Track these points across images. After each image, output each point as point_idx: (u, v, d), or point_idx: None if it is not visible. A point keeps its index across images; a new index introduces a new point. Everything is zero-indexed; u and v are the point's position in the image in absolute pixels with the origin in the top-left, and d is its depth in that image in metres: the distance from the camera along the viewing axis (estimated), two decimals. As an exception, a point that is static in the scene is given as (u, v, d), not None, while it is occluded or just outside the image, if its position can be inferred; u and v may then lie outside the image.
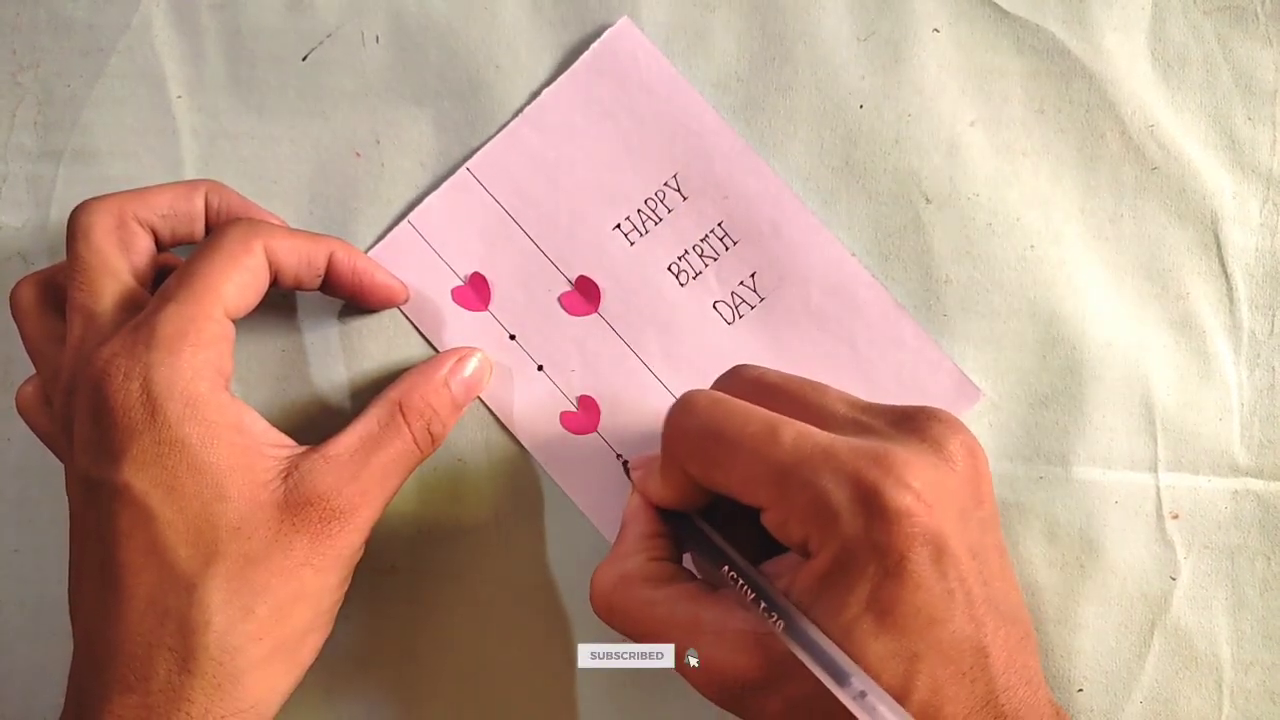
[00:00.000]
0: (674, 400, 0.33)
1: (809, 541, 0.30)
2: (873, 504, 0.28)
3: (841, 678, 0.27)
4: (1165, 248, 0.39)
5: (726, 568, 0.32)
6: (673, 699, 0.39)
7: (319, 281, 0.37)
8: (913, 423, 0.31)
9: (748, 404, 0.32)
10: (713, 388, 0.34)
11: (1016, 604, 0.31)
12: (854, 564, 0.29)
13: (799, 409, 0.32)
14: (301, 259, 0.36)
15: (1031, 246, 0.39)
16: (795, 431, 0.30)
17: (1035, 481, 0.39)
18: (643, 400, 0.39)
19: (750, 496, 0.31)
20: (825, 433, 0.30)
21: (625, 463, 0.39)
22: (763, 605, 0.30)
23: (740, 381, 0.34)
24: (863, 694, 0.27)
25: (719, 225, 0.40)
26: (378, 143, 0.40)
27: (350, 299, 0.39)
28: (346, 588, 0.35)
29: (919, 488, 0.29)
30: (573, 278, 0.40)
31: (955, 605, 0.29)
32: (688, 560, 0.36)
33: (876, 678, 0.28)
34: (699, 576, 0.34)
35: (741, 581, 0.31)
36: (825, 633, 0.28)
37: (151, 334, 0.32)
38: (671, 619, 0.32)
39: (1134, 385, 0.39)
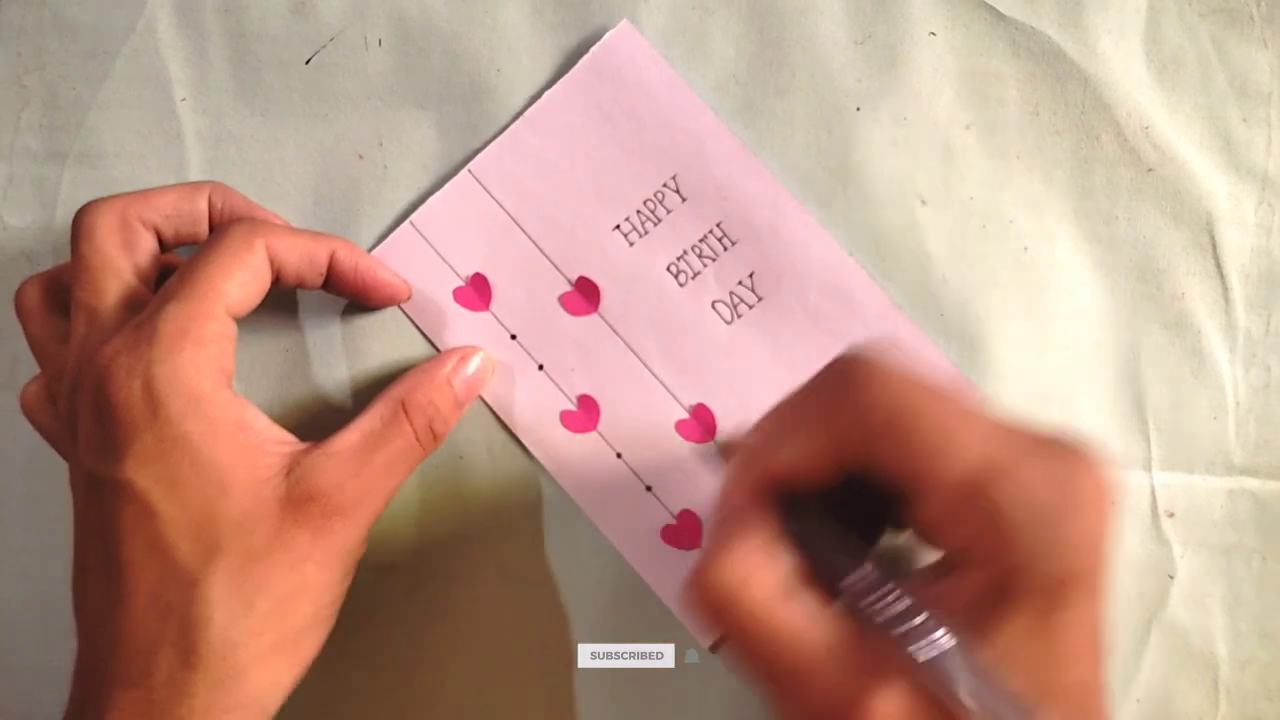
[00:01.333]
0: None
1: (966, 552, 0.27)
2: (1063, 527, 0.26)
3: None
4: (1160, 248, 0.39)
5: (856, 579, 0.27)
6: (673, 699, 0.39)
7: (321, 280, 0.37)
8: (1074, 455, 0.27)
9: (929, 384, 0.28)
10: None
11: (1104, 651, 0.29)
12: (1017, 590, 0.26)
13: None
14: (304, 257, 0.36)
15: (1026, 248, 0.39)
16: (983, 423, 0.27)
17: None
18: (642, 400, 0.40)
19: (919, 488, 0.27)
20: (1004, 443, 0.27)
21: (720, 443, 0.34)
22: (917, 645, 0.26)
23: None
24: None
25: (717, 226, 0.40)
26: (380, 145, 0.41)
27: (353, 297, 0.39)
28: (348, 584, 0.35)
29: (1100, 517, 0.27)
30: (573, 278, 0.40)
31: (1092, 649, 0.27)
32: None
33: None
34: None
35: (877, 595, 0.27)
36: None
37: (154, 332, 0.32)
38: (801, 638, 0.27)
39: (1129, 385, 0.39)
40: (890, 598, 0.27)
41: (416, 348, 0.40)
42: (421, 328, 0.40)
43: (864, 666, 0.26)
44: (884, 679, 0.26)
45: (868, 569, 0.28)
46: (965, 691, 0.25)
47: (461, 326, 0.40)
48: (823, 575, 0.28)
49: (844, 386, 0.28)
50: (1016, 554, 0.26)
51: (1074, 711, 0.27)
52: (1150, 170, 0.39)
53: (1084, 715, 0.27)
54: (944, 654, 0.26)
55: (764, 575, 0.28)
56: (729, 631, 0.28)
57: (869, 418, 0.28)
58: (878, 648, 0.27)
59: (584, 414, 0.40)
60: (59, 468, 0.36)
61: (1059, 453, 0.28)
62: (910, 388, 0.28)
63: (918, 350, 0.39)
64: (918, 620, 0.26)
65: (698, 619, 0.29)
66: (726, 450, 0.33)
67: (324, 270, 0.37)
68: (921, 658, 0.26)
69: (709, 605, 0.28)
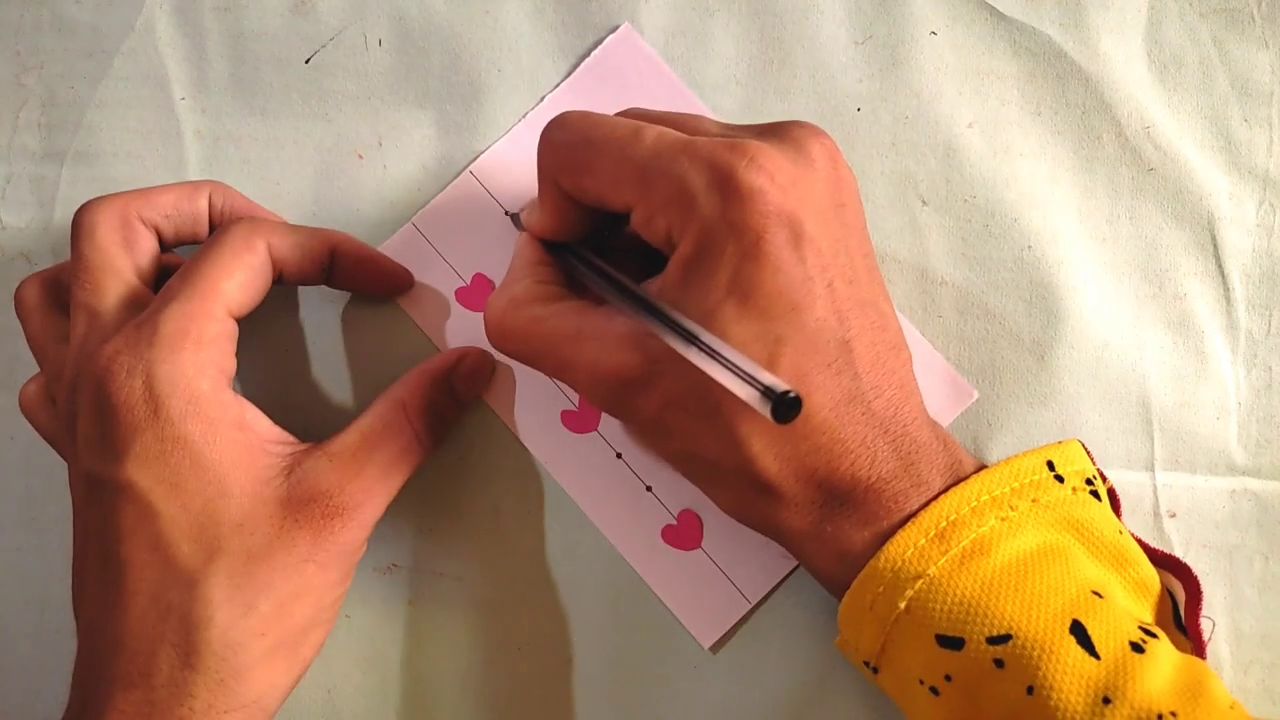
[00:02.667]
0: None
1: (672, 232, 0.31)
2: (727, 184, 0.29)
3: (702, 348, 0.28)
4: (1162, 248, 0.39)
5: (598, 279, 0.33)
6: (673, 699, 0.39)
7: (324, 275, 0.37)
8: (776, 129, 0.32)
9: (615, 116, 0.33)
10: None
11: (887, 314, 0.32)
12: (713, 247, 0.30)
13: (669, 126, 0.33)
14: (305, 254, 0.36)
15: (1028, 248, 0.39)
16: (658, 132, 0.31)
17: (1033, 481, 0.39)
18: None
19: (617, 198, 0.32)
20: (688, 136, 0.31)
21: (511, 215, 0.40)
22: (629, 302, 0.31)
23: (623, 115, 0.35)
24: (718, 356, 0.27)
25: (718, 226, 0.40)
26: (380, 145, 0.41)
27: (356, 290, 0.39)
28: (348, 585, 0.35)
29: (772, 170, 0.30)
30: (573, 278, 0.40)
31: (816, 293, 0.30)
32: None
33: None
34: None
35: (610, 287, 0.32)
36: (691, 318, 0.29)
37: (154, 332, 0.32)
38: (557, 331, 0.33)
39: (1131, 385, 0.39)
40: (608, 281, 0.32)
41: (417, 348, 0.40)
42: (423, 327, 0.40)
43: (608, 339, 0.32)
44: (620, 342, 0.31)
45: (604, 272, 0.33)
46: (669, 339, 0.29)
47: (463, 326, 0.40)
48: (582, 286, 0.35)
49: (543, 141, 0.33)
50: (697, 218, 0.30)
51: (820, 359, 0.30)
52: (1152, 170, 0.39)
53: (838, 366, 0.30)
54: (650, 315, 0.30)
55: (523, 303, 0.34)
56: (511, 349, 0.34)
57: (556, 164, 0.33)
58: (619, 325, 0.32)
59: (584, 414, 0.40)
60: (57, 467, 0.36)
61: (754, 132, 0.32)
62: (586, 126, 0.32)
63: (916, 351, 0.39)
64: (631, 295, 0.31)
65: (495, 348, 0.35)
66: (514, 218, 0.39)
67: (325, 265, 0.37)
68: (638, 330, 0.31)
69: (492, 334, 0.35)
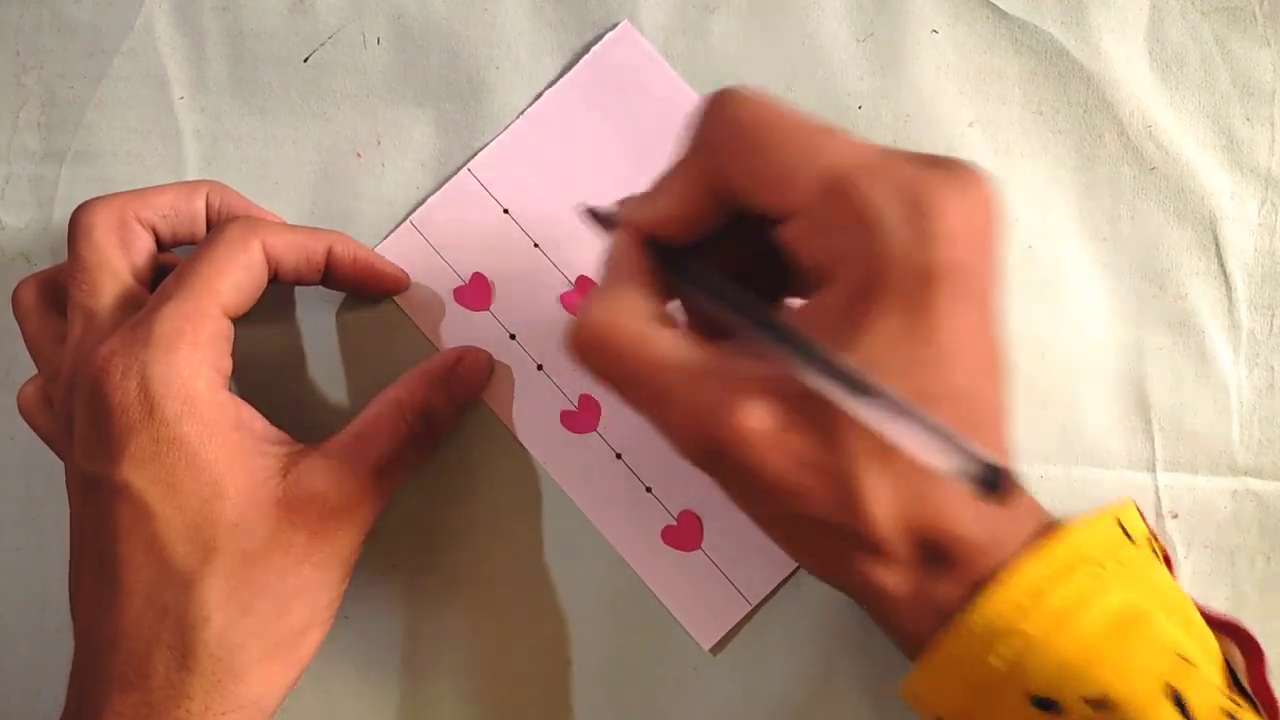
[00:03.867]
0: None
1: (838, 258, 0.27)
2: (924, 221, 0.26)
3: (866, 393, 0.25)
4: (1164, 248, 0.39)
5: (730, 305, 0.29)
6: (673, 699, 0.39)
7: (320, 276, 0.37)
8: (943, 163, 0.28)
9: (792, 108, 0.29)
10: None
11: (1006, 368, 0.29)
12: (886, 286, 0.26)
13: None
14: (301, 254, 0.36)
15: (1029, 246, 0.39)
16: (849, 138, 0.28)
17: (1034, 482, 0.39)
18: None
19: (784, 199, 0.28)
20: (873, 148, 0.28)
21: (592, 210, 0.34)
22: (775, 337, 0.27)
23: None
24: (912, 417, 0.25)
25: (718, 226, 0.40)
26: (379, 143, 0.40)
27: (352, 290, 0.39)
28: (345, 585, 0.35)
29: (966, 213, 0.27)
30: (573, 278, 0.40)
31: (978, 345, 0.27)
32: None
33: None
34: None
35: (748, 316, 0.28)
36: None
37: (149, 332, 0.32)
38: (666, 358, 0.28)
39: (1132, 385, 0.39)
40: (752, 314, 0.28)
41: (415, 347, 0.40)
42: (421, 327, 0.40)
43: (731, 383, 0.28)
44: (749, 392, 0.27)
45: (737, 296, 0.28)
46: (821, 384, 0.26)
47: (461, 326, 0.40)
48: (699, 311, 0.31)
49: (709, 118, 0.29)
50: (877, 255, 0.26)
51: (958, 418, 0.26)
52: (1153, 169, 0.39)
53: (972, 425, 0.27)
54: (805, 356, 0.26)
55: (628, 316, 0.29)
56: (603, 368, 0.29)
57: (727, 140, 0.29)
58: (745, 366, 0.28)
59: (584, 414, 0.40)
60: (55, 468, 0.36)
61: (932, 163, 0.28)
62: (766, 107, 0.29)
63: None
64: (781, 330, 0.27)
65: (577, 362, 0.30)
66: (625, 205, 0.33)
67: (321, 266, 0.37)
68: (786, 363, 0.27)
69: (583, 349, 0.29)
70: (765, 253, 0.30)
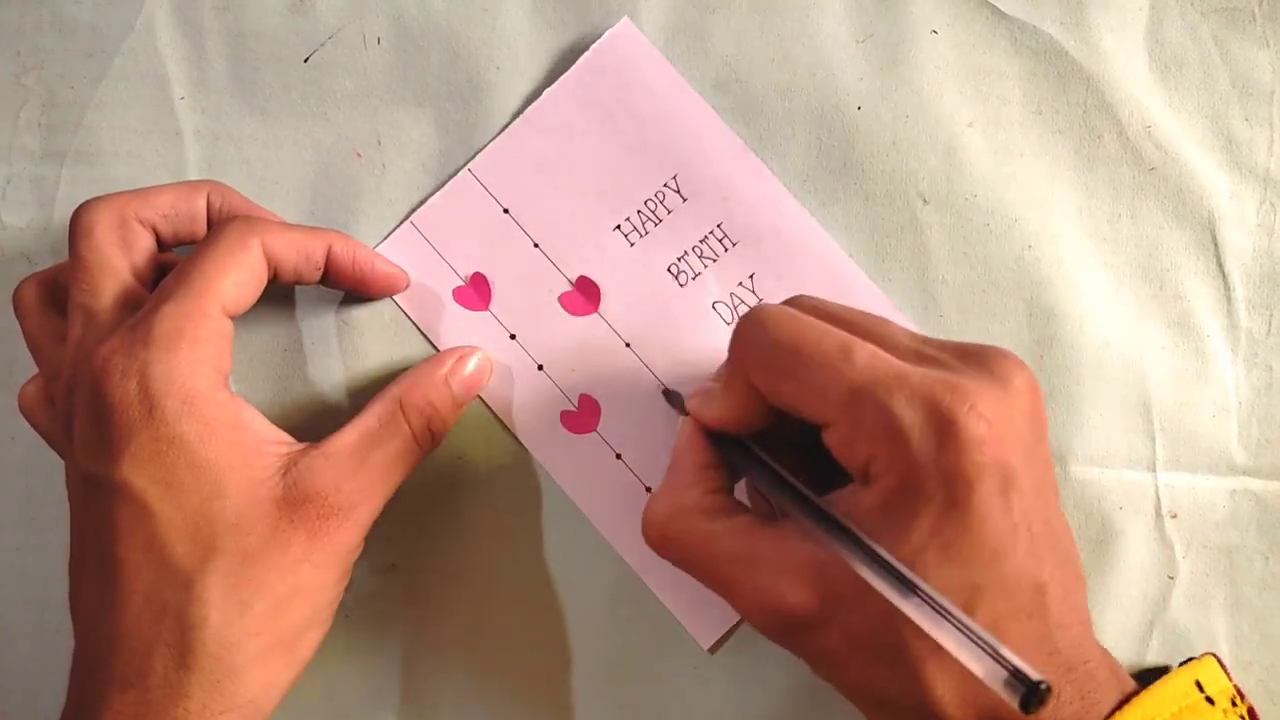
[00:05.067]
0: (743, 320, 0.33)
1: (873, 464, 0.29)
2: (946, 430, 0.28)
3: (909, 592, 0.27)
4: (1163, 248, 0.39)
5: (785, 494, 0.31)
6: (673, 699, 0.39)
7: (319, 275, 0.37)
8: (978, 358, 0.31)
9: (820, 322, 0.31)
10: None
11: (1070, 544, 0.31)
12: (921, 490, 0.28)
13: (860, 336, 0.31)
14: (300, 254, 0.36)
15: (1029, 247, 0.39)
16: (869, 352, 0.30)
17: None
18: (642, 400, 0.40)
19: (817, 412, 0.30)
20: (898, 359, 0.30)
21: (667, 391, 0.39)
22: (825, 530, 0.29)
23: (798, 307, 0.33)
24: (935, 607, 0.26)
25: (718, 226, 0.40)
26: (379, 143, 0.40)
27: (351, 290, 0.39)
28: (345, 585, 0.35)
29: (991, 417, 0.28)
30: (573, 278, 0.40)
31: (1018, 540, 0.28)
32: (739, 490, 0.36)
33: None
34: (750, 507, 0.34)
35: (801, 506, 0.30)
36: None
37: (149, 331, 0.32)
38: (729, 552, 0.31)
39: (1132, 385, 0.39)
40: (806, 505, 0.30)
41: (415, 347, 0.40)
42: (420, 327, 0.40)
43: (784, 569, 0.30)
44: (802, 577, 0.30)
45: (791, 486, 0.31)
46: (868, 576, 0.28)
47: (461, 326, 0.40)
48: (755, 501, 0.35)
49: (739, 341, 0.32)
50: (906, 463, 0.28)
51: (1011, 608, 0.28)
52: (1153, 170, 0.39)
53: (1027, 614, 0.28)
54: (855, 549, 0.28)
55: (692, 508, 0.33)
56: (672, 558, 0.33)
57: (760, 364, 0.32)
58: (799, 552, 0.30)
59: (584, 414, 0.40)
60: (56, 468, 0.36)
61: (961, 356, 0.30)
62: (795, 329, 0.31)
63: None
64: (829, 521, 0.29)
65: (650, 545, 0.34)
66: (670, 397, 0.39)
67: (321, 265, 0.37)
68: (821, 559, 0.29)
69: (653, 539, 0.34)
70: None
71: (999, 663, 0.25)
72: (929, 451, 0.28)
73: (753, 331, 0.32)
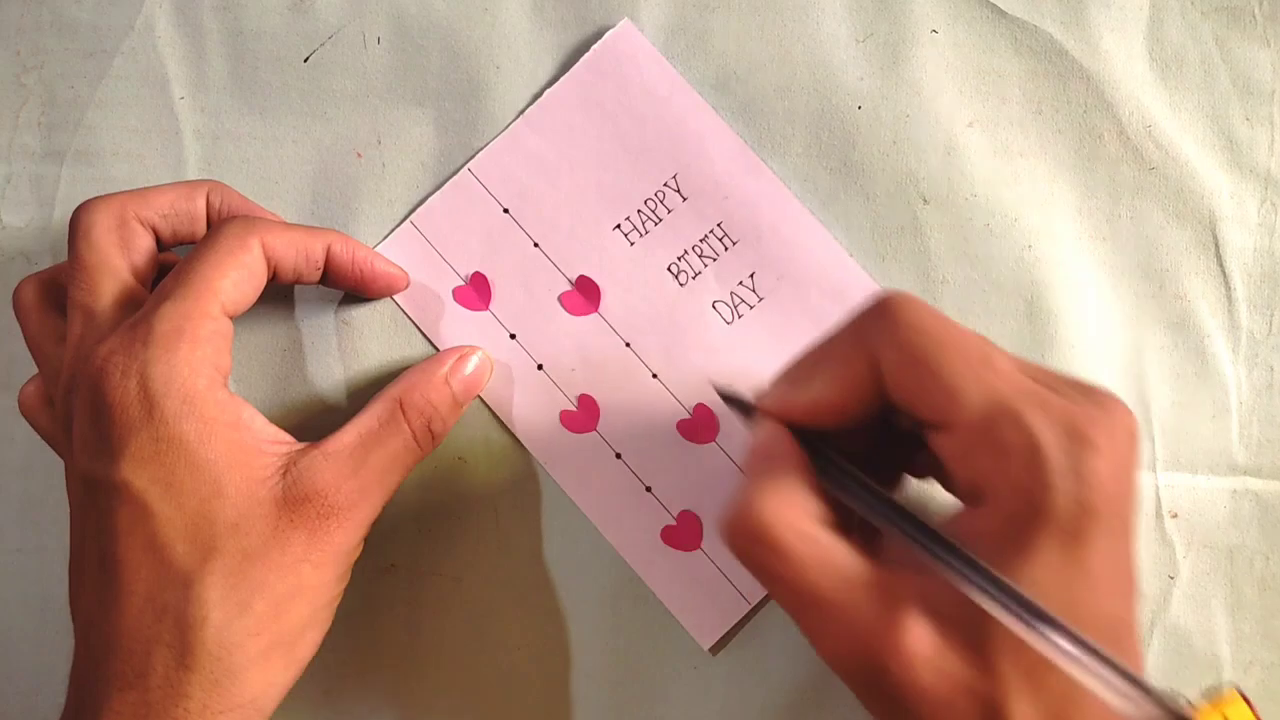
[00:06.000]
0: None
1: (994, 479, 0.28)
2: (1085, 460, 0.27)
3: (1045, 623, 0.25)
4: (1163, 248, 0.39)
5: (887, 515, 0.28)
6: (673, 699, 0.39)
7: (319, 275, 0.37)
8: (1093, 395, 0.29)
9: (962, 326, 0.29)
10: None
11: (1139, 578, 0.30)
12: (1048, 518, 0.27)
13: None
14: (300, 253, 0.36)
15: (1029, 246, 0.39)
16: (1014, 362, 0.29)
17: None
18: (642, 400, 0.40)
19: (943, 413, 0.28)
20: (1032, 370, 0.29)
21: (726, 395, 0.34)
22: (941, 558, 0.27)
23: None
24: (1095, 653, 0.25)
25: (718, 226, 0.40)
26: (379, 143, 0.40)
27: (351, 289, 0.39)
28: (345, 584, 0.35)
29: (1120, 456, 0.27)
30: (573, 278, 0.40)
31: (1118, 579, 0.28)
32: None
33: None
34: None
35: (907, 530, 0.28)
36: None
37: (149, 331, 0.32)
38: (831, 566, 0.28)
39: (1132, 385, 0.39)
40: (917, 530, 0.28)
41: (415, 347, 0.40)
42: (420, 327, 0.40)
43: (893, 599, 0.27)
44: (911, 610, 0.27)
45: (895, 505, 0.28)
46: (999, 612, 0.26)
47: (461, 326, 0.40)
48: (851, 514, 0.30)
49: (876, 318, 0.29)
50: (1040, 487, 0.27)
51: (1106, 644, 0.26)
52: (1153, 169, 0.39)
53: (1117, 648, 0.27)
54: (976, 581, 0.26)
55: (795, 514, 0.28)
56: (761, 564, 0.28)
57: (899, 346, 0.29)
58: (905, 581, 0.27)
59: (584, 414, 0.40)
60: (56, 469, 0.36)
61: (1081, 391, 0.29)
62: (940, 322, 0.29)
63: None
64: (946, 551, 0.27)
65: (736, 555, 0.29)
66: (731, 400, 0.34)
67: (321, 265, 0.37)
68: (958, 586, 0.26)
69: (746, 542, 0.28)
70: (891, 433, 0.31)
71: (1150, 698, 0.24)
72: (1067, 477, 0.27)
73: (892, 311, 0.29)
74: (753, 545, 0.28)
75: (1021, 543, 0.27)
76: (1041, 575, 0.27)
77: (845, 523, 0.29)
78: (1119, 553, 0.28)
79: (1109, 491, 0.27)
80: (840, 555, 0.28)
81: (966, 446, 0.28)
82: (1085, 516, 0.27)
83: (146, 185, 0.37)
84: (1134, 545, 0.29)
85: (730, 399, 0.34)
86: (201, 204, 0.37)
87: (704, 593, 0.39)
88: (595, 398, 0.40)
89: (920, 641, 0.27)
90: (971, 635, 0.27)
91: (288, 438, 0.35)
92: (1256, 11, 0.39)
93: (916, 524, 0.28)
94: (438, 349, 0.40)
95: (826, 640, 0.28)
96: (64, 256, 0.37)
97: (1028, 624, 0.26)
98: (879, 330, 0.29)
